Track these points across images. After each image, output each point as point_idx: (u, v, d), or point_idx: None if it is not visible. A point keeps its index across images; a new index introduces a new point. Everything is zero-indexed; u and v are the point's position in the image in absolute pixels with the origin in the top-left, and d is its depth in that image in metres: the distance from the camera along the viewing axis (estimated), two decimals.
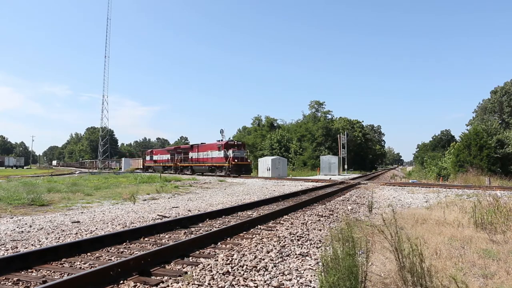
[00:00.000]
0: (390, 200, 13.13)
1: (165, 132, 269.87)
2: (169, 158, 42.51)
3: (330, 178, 29.22)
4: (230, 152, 31.75)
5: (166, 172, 41.05)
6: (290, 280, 4.17)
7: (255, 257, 5.05)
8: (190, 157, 38.01)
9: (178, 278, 4.18)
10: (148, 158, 49.51)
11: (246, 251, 5.38)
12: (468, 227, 6.76)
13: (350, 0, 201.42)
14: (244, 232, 6.84)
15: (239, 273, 4.36)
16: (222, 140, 34.63)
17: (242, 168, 31.87)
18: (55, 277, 4.25)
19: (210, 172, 34.40)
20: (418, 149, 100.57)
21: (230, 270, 4.44)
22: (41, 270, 4.46)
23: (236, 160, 31.32)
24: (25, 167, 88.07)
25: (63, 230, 7.12)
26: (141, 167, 52.77)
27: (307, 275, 4.33)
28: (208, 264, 4.66)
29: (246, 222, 7.30)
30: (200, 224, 7.79)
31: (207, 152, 34.95)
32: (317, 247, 5.72)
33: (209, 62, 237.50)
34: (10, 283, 4.01)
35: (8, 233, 6.85)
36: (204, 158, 35.66)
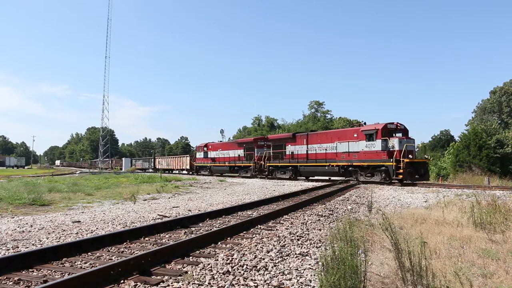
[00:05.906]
0: (390, 200, 13.16)
1: (165, 132, 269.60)
2: (242, 154, 30.19)
3: (329, 178, 29.21)
4: (395, 143, 18.57)
5: (231, 175, 30.67)
6: (290, 279, 4.18)
7: (255, 256, 5.07)
8: (289, 153, 25.38)
9: (179, 277, 4.20)
10: (200, 155, 35.93)
11: (246, 250, 5.40)
12: (467, 227, 6.78)
13: (350, 0, 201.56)
14: (244, 232, 6.86)
15: (239, 272, 4.38)
16: (364, 124, 21.24)
17: (420, 169, 18.72)
18: (56, 276, 4.27)
19: (340, 177, 21.76)
20: (417, 149, 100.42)
21: (230, 269, 4.45)
22: (42, 270, 4.48)
23: (410, 156, 18.44)
24: (26, 167, 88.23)
25: (64, 230, 7.14)
26: (187, 167, 39.59)
27: (307, 275, 4.35)
28: (208, 264, 4.68)
29: (246, 222, 7.32)
30: (200, 224, 7.81)
31: (334, 143, 21.77)
32: (317, 247, 5.73)
33: (209, 62, 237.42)
34: (11, 283, 4.03)
35: (9, 233, 6.87)
36: (326, 153, 22.37)
